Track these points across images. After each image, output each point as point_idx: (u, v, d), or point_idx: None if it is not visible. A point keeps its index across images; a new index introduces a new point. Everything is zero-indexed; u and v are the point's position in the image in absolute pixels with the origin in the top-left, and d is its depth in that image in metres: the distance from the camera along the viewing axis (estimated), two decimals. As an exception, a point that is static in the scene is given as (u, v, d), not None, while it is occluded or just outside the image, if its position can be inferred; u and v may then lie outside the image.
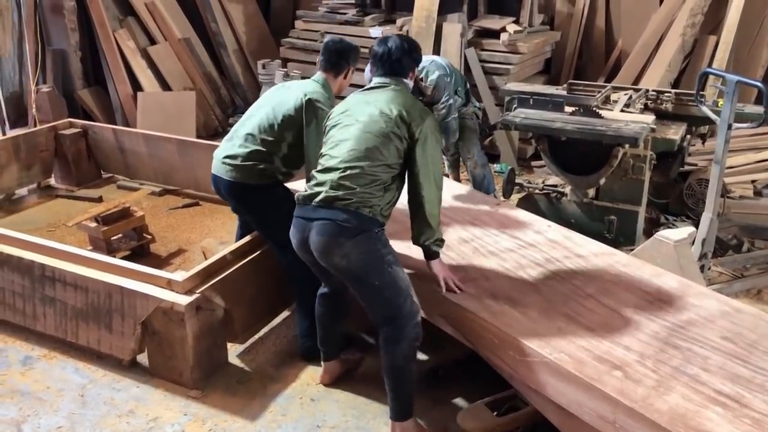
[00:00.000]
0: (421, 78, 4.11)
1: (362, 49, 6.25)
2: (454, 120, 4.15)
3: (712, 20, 6.30)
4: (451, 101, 4.17)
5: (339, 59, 3.37)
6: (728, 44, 5.93)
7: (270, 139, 3.27)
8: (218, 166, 3.38)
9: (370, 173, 2.70)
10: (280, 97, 3.34)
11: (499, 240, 3.40)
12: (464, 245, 3.33)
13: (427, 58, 4.22)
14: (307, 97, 3.22)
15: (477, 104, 4.55)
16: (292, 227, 2.87)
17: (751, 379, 2.34)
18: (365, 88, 2.97)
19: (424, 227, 2.79)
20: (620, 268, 3.11)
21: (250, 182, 3.32)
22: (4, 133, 6.17)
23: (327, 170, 2.77)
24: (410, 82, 2.99)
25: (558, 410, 2.52)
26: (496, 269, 3.11)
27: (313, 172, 2.85)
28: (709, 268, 3.97)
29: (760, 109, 4.23)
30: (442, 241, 2.87)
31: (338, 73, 3.38)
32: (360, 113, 2.81)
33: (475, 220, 3.61)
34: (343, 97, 3.93)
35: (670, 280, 3.02)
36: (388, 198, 2.77)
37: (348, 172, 2.70)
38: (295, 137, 3.26)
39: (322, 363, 3.25)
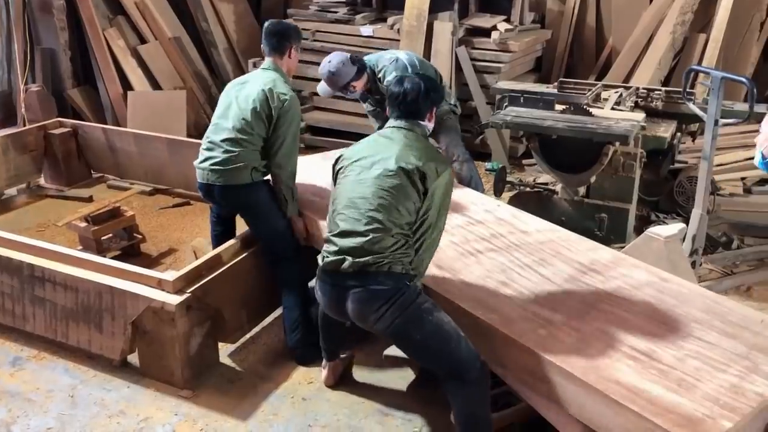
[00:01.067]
0: (380, 78, 4.02)
1: (353, 48, 6.32)
2: None
3: (702, 18, 6.32)
4: (395, 76, 3.83)
5: (281, 40, 3.51)
6: (718, 42, 5.96)
7: (247, 138, 3.39)
8: (207, 175, 3.46)
9: (393, 234, 2.59)
10: (242, 94, 3.44)
11: (450, 218, 3.45)
12: None
13: (391, 56, 4.08)
14: (267, 87, 3.37)
15: (452, 102, 4.38)
16: (320, 292, 2.77)
17: (664, 337, 2.55)
18: (379, 132, 2.84)
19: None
20: (560, 243, 3.27)
21: (243, 182, 3.41)
22: (-7, 133, 6.13)
23: (347, 234, 2.64)
24: (429, 125, 2.85)
25: (549, 405, 2.54)
26: (444, 243, 3.18)
27: (330, 236, 2.72)
28: (700, 264, 3.99)
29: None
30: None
31: (282, 54, 3.52)
32: (374, 165, 2.67)
33: None
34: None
35: (605, 253, 3.18)
36: (425, 251, 2.71)
37: (371, 236, 2.58)
38: (266, 130, 3.41)
39: (325, 364, 3.23)
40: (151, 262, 4.36)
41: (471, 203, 3.74)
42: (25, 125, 6.08)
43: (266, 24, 3.58)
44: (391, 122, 2.81)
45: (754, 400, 2.20)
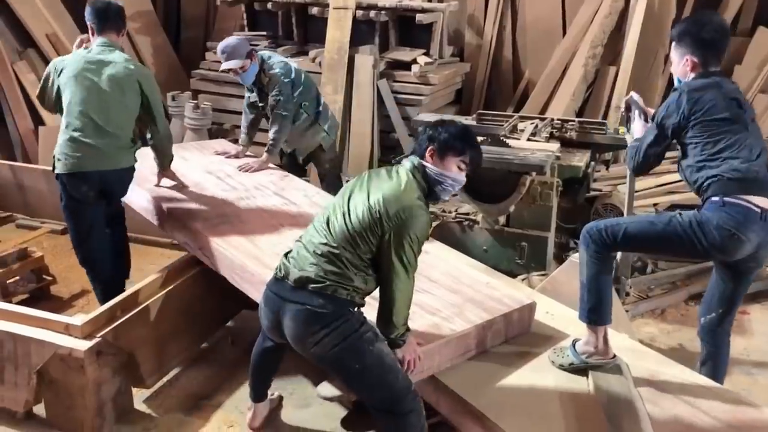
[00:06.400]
0: (264, 69, 4.46)
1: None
2: (283, 116, 4.42)
3: (611, 52, 6.62)
4: (281, 98, 4.40)
5: (119, 19, 3.62)
6: (627, 74, 6.23)
7: (124, 116, 3.55)
8: (104, 161, 3.50)
9: (345, 260, 2.50)
10: (106, 80, 3.48)
11: (269, 197, 4.03)
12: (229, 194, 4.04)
13: (282, 60, 4.56)
14: (133, 68, 3.57)
15: (327, 131, 4.75)
16: (263, 302, 2.65)
17: None
18: (387, 167, 2.69)
19: (389, 325, 2.56)
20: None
21: (130, 165, 3.64)
22: None
23: (305, 248, 2.58)
24: (449, 174, 2.61)
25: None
26: (257, 218, 3.74)
27: (295, 241, 2.67)
28: (627, 294, 4.05)
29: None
30: (408, 331, 2.63)
31: (119, 32, 3.64)
32: (356, 195, 2.58)
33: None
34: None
35: None
36: (371, 287, 2.59)
37: (327, 257, 2.50)
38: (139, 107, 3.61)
39: (251, 405, 3.10)
40: (62, 305, 4.15)
41: (295, 189, 4.19)
42: (-74, 163, 5.74)
43: (95, 2, 3.57)
44: (408, 159, 2.67)
45: (447, 333, 2.82)
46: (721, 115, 2.68)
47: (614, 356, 2.84)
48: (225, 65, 4.38)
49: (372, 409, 2.62)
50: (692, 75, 2.79)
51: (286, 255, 2.66)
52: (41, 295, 4.22)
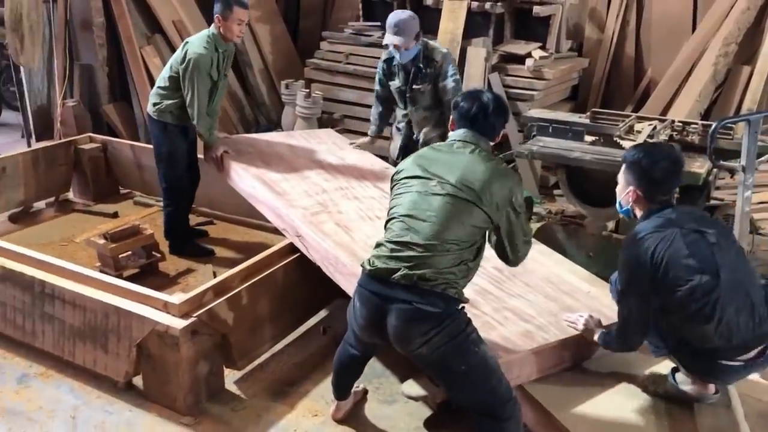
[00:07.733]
0: (435, 59, 4.27)
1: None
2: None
3: (747, 50, 6.12)
4: (458, 76, 4.30)
5: (214, 7, 4.06)
6: (763, 74, 5.76)
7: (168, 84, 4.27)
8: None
9: (455, 252, 2.44)
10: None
11: (367, 188, 4.05)
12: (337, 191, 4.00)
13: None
14: (185, 48, 4.11)
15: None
16: (358, 302, 2.57)
17: (492, 293, 3.10)
18: (441, 145, 2.71)
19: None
20: None
21: (150, 113, 4.38)
22: (29, 146, 6.23)
23: (405, 244, 2.45)
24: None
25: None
26: (352, 207, 3.77)
27: (384, 241, 2.54)
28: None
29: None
30: None
31: (224, 17, 4.05)
32: (437, 181, 2.51)
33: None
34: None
35: None
36: (472, 274, 2.58)
37: (434, 251, 2.41)
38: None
39: (334, 400, 3.11)
40: (167, 281, 4.32)
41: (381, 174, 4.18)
42: (61, 139, 6.16)
43: None
44: (462, 134, 2.65)
45: (540, 343, 2.71)
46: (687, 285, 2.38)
47: (716, 392, 2.61)
48: (391, 39, 4.19)
49: (473, 413, 2.55)
50: (637, 210, 2.62)
51: (377, 251, 2.54)
52: (150, 271, 4.41)
